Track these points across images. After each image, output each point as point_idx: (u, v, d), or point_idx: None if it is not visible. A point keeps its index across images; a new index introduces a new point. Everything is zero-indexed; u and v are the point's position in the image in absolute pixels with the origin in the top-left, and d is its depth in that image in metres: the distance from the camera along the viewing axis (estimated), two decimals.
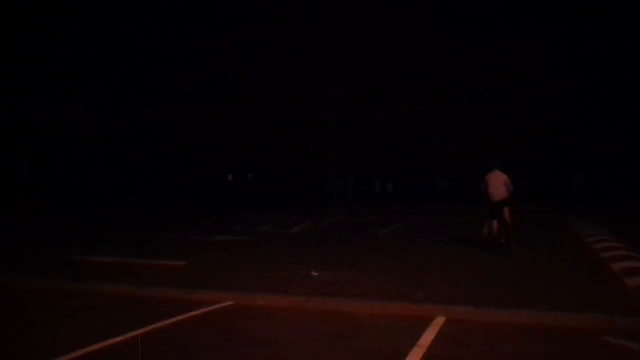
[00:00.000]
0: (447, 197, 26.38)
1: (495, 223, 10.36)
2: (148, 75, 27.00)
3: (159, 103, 27.58)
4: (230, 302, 7.12)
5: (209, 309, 6.83)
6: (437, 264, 9.43)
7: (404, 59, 25.08)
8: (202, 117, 27.45)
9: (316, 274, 8.46)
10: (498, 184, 10.32)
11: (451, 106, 25.60)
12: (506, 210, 10.27)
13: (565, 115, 24.83)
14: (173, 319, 6.32)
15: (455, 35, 24.28)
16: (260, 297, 7.23)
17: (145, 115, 27.88)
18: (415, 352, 5.06)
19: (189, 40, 26.53)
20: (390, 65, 25.48)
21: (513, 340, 5.45)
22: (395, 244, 12.63)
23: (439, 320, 6.05)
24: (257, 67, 26.25)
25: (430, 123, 26.32)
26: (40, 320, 6.54)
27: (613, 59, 23.96)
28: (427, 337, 5.48)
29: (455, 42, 24.43)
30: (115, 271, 9.27)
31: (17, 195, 24.42)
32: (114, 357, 5.23)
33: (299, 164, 28.98)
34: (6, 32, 22.88)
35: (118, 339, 5.61)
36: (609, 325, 5.71)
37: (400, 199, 25.85)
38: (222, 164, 31.18)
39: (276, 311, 6.78)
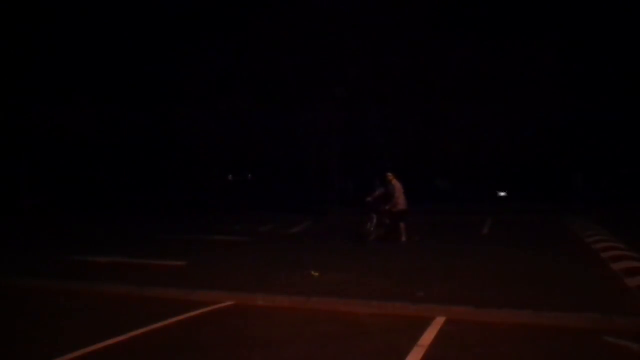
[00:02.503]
0: (447, 197, 26.39)
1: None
2: (148, 75, 26.98)
3: (159, 103, 27.58)
4: (230, 302, 7.12)
5: (209, 309, 6.84)
6: (437, 263, 9.43)
7: (405, 59, 25.07)
8: (203, 117, 27.43)
9: (316, 274, 8.46)
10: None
11: (451, 106, 25.59)
12: None
13: (565, 115, 24.83)
14: (173, 319, 6.33)
15: (456, 35, 24.27)
16: (260, 297, 7.23)
17: (145, 115, 27.87)
18: (415, 352, 5.06)
19: (188, 40, 26.52)
20: (391, 65, 25.48)
21: (513, 340, 5.45)
22: (394, 244, 12.60)
23: (439, 320, 6.05)
24: (258, 67, 26.24)
25: (430, 123, 26.31)
26: (40, 320, 6.54)
27: (613, 58, 23.96)
28: (427, 337, 5.48)
29: (456, 42, 24.42)
30: (115, 271, 9.28)
31: (18, 195, 24.43)
32: (114, 357, 5.23)
33: (300, 164, 28.96)
34: (9, 33, 22.88)
35: (118, 339, 5.61)
36: (609, 325, 5.71)
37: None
38: (222, 164, 31.16)
39: (276, 311, 6.79)
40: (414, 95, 25.70)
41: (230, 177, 33.87)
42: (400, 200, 11.83)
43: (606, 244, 10.58)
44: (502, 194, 28.27)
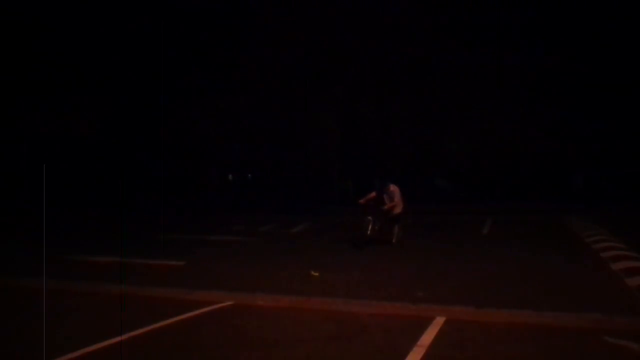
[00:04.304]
0: (447, 197, 26.39)
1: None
2: (148, 75, 26.99)
3: (159, 103, 27.58)
4: (230, 302, 7.12)
5: (209, 309, 6.83)
6: (437, 264, 9.43)
7: (405, 59, 25.07)
8: (202, 116, 27.43)
9: (316, 274, 8.46)
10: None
11: (451, 106, 25.59)
12: None
13: (565, 115, 24.82)
14: (173, 319, 6.32)
15: (456, 35, 24.28)
16: (260, 297, 7.23)
17: (145, 114, 27.88)
18: (415, 352, 5.06)
19: (189, 40, 26.53)
20: (391, 65, 25.48)
21: (513, 340, 5.45)
22: (394, 243, 12.59)
23: (439, 320, 6.05)
24: (257, 67, 26.24)
25: (431, 123, 26.30)
26: (40, 320, 6.54)
27: (613, 58, 23.95)
28: (427, 337, 5.48)
29: (456, 42, 24.42)
30: (115, 271, 9.27)
31: (18, 195, 24.42)
32: (114, 357, 5.23)
33: (299, 164, 28.97)
34: (9, 35, 22.90)
35: (118, 339, 5.61)
36: (609, 325, 5.71)
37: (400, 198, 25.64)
38: (222, 164, 31.15)
39: (276, 311, 6.78)
40: (414, 95, 25.69)
41: (230, 177, 33.84)
42: (400, 205, 11.73)
43: (606, 244, 10.58)
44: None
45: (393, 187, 11.76)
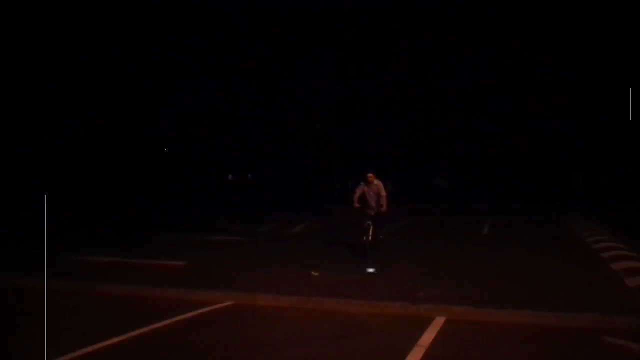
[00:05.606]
0: (447, 197, 26.38)
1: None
2: (148, 75, 26.99)
3: (159, 103, 27.59)
4: (230, 302, 7.12)
5: (209, 309, 6.84)
6: (437, 264, 9.43)
7: (405, 59, 25.06)
8: (202, 117, 27.42)
9: (316, 274, 8.46)
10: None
11: (451, 106, 25.57)
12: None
13: (565, 115, 24.81)
14: (173, 319, 6.33)
15: (456, 35, 24.26)
16: (260, 297, 7.24)
17: (145, 114, 27.88)
18: (415, 352, 5.07)
19: (189, 40, 26.52)
20: (391, 66, 25.46)
21: (513, 340, 5.45)
22: (394, 244, 12.60)
23: (439, 320, 6.06)
24: (257, 66, 26.22)
25: (430, 123, 26.28)
26: (40, 320, 6.54)
27: (612, 58, 23.95)
28: (427, 337, 5.49)
29: (456, 43, 24.41)
30: (115, 271, 9.28)
31: (18, 195, 24.42)
32: (114, 357, 5.24)
33: (299, 164, 28.95)
34: (8, 32, 22.89)
35: (118, 339, 5.62)
36: (609, 325, 5.71)
37: (400, 199, 25.58)
38: (222, 164, 31.15)
39: (276, 311, 6.79)
40: (413, 95, 25.69)
41: (230, 177, 33.87)
42: (386, 201, 11.06)
43: (606, 244, 10.57)
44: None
45: (377, 182, 10.96)
